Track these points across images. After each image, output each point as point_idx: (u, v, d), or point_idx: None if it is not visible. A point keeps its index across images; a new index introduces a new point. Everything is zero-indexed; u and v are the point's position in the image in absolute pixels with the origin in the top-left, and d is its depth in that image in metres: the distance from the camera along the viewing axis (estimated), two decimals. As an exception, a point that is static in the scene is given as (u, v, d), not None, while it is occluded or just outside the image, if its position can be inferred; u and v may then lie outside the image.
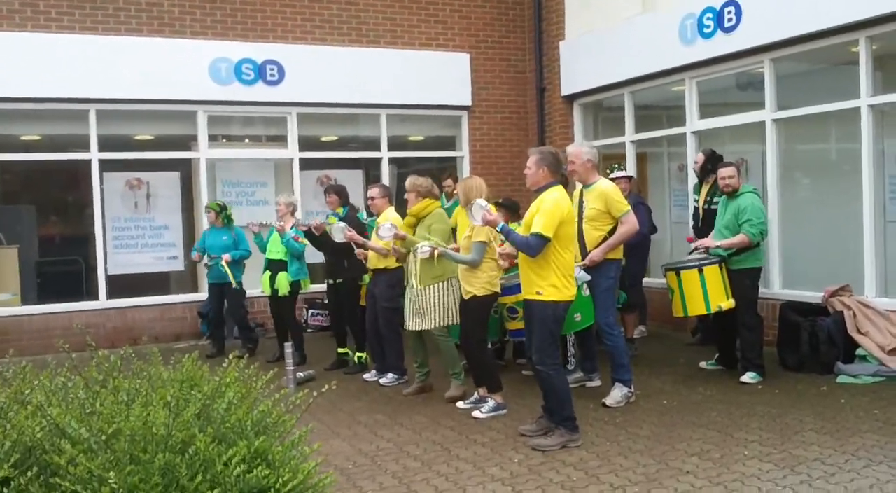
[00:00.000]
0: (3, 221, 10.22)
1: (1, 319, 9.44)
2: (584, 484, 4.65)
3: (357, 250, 7.55)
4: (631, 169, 10.35)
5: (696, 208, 8.25)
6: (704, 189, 8.08)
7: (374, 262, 7.45)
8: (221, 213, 9.22)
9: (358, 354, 8.19)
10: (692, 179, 9.48)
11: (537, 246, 5.21)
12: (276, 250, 8.52)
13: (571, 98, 11.44)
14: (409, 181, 7.05)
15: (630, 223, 6.30)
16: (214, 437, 2.48)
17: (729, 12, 8.64)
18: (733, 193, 7.12)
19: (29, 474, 2.36)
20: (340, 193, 8.26)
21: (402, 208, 8.06)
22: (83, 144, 9.99)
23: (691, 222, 8.51)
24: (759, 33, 8.35)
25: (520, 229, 5.62)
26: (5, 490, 2.36)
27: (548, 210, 5.22)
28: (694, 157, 9.38)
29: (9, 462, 2.40)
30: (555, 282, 5.26)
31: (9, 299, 9.83)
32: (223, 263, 8.94)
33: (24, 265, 10.14)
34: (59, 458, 2.39)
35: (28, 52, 9.43)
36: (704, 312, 7.15)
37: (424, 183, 7.01)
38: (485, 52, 11.90)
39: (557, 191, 5.36)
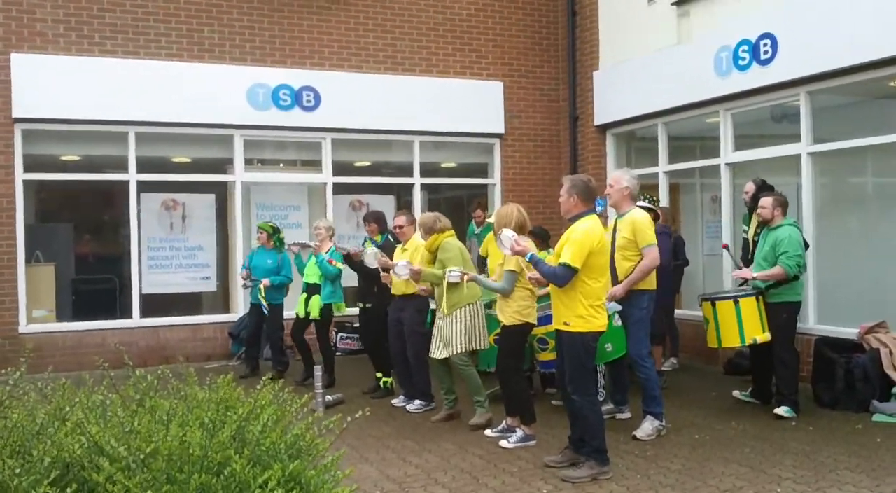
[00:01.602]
0: (41, 238, 10.40)
1: (37, 335, 9.58)
2: (613, 517, 4.60)
3: (382, 275, 7.58)
4: (663, 200, 10.30)
5: (746, 239, 8.15)
6: (755, 221, 7.94)
7: (401, 288, 7.46)
8: (274, 235, 9.32)
9: (384, 379, 8.19)
10: (725, 211, 9.44)
11: (564, 277, 5.20)
12: (312, 274, 8.59)
13: (604, 127, 11.46)
14: (419, 220, 7.21)
15: (650, 257, 6.25)
16: (250, 459, 2.50)
17: (765, 45, 8.63)
18: (767, 225, 7.07)
19: (68, 490, 2.38)
20: (380, 220, 8.33)
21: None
22: (122, 166, 10.18)
23: (740, 253, 8.36)
24: (796, 66, 8.32)
25: (550, 258, 5.62)
26: (44, 506, 2.39)
27: (577, 240, 5.20)
28: (728, 188, 9.36)
29: (49, 479, 2.43)
30: (582, 313, 5.23)
31: (44, 316, 9.98)
32: (261, 287, 9.02)
33: (60, 283, 10.31)
34: (97, 475, 2.42)
35: (71, 74, 9.65)
36: (739, 344, 7.08)
37: (426, 221, 7.16)
38: (518, 80, 11.97)
39: (590, 220, 5.34)
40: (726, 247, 8.59)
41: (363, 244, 8.22)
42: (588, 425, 5.35)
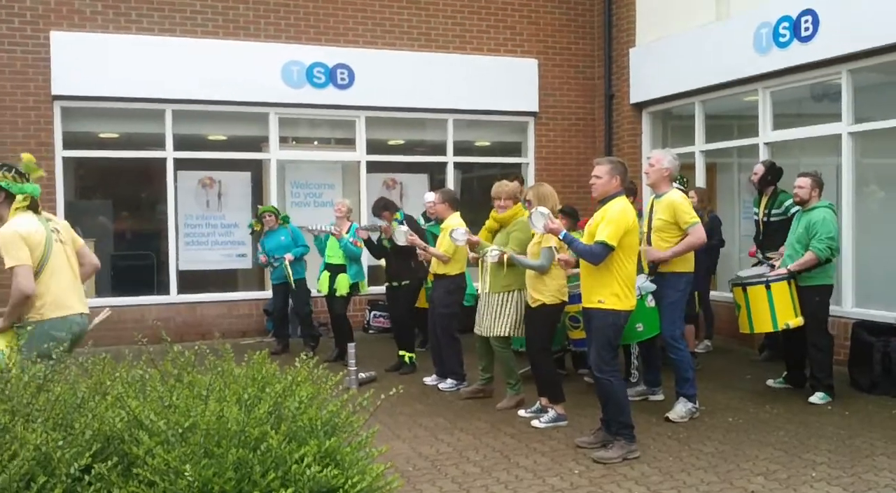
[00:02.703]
0: (81, 215, 10.55)
1: (77, 310, 9.75)
2: (645, 498, 4.60)
3: (419, 252, 7.62)
4: (700, 180, 10.18)
5: (757, 221, 8.07)
6: (764, 201, 7.92)
7: (434, 267, 7.50)
8: (281, 216, 9.44)
9: (408, 354, 8.26)
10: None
11: (601, 254, 5.23)
12: (334, 255, 8.65)
13: (640, 106, 11.32)
14: (508, 189, 6.74)
15: (696, 235, 6.18)
16: (286, 435, 2.53)
17: (806, 21, 8.45)
18: (803, 205, 6.96)
19: (109, 463, 2.43)
20: (388, 207, 8.40)
21: (467, 214, 8.04)
22: (159, 143, 10.29)
23: (751, 235, 8.32)
24: (837, 43, 8.14)
25: (581, 238, 5.60)
26: (86, 478, 2.44)
27: (613, 219, 5.24)
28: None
29: (90, 451, 2.48)
30: (617, 291, 5.27)
31: (85, 291, 10.13)
32: (286, 263, 9.11)
33: (99, 259, 10.37)
34: (137, 449, 2.47)
35: (108, 52, 9.76)
36: (771, 329, 6.97)
37: (519, 188, 6.93)
38: (553, 58, 11.86)
39: (623, 201, 5.41)
40: (753, 255, 8.43)
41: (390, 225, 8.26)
42: (615, 402, 5.38)
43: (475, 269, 7.10)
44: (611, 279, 5.28)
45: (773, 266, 7.20)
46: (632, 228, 5.30)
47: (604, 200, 5.45)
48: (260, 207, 9.96)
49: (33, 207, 4.76)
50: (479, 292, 6.82)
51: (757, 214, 8.09)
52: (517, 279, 6.51)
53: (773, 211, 7.83)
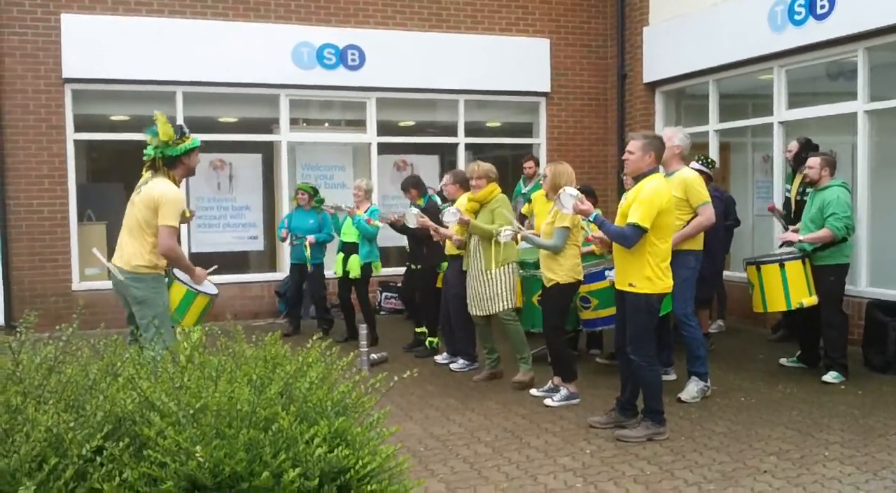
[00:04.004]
0: (92, 198, 10.58)
1: (90, 293, 9.82)
2: (657, 479, 4.60)
3: (433, 235, 7.60)
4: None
5: (788, 199, 7.98)
6: (798, 179, 7.80)
7: (449, 248, 7.48)
8: (315, 195, 9.39)
9: (429, 339, 8.25)
10: (777, 171, 9.24)
11: (633, 237, 5.07)
12: (349, 233, 8.64)
13: (653, 85, 11.23)
14: (479, 168, 6.91)
15: (706, 215, 6.12)
16: (297, 416, 2.53)
17: (822, -2, 8.34)
18: (814, 185, 6.89)
19: (120, 444, 2.43)
20: (418, 185, 8.37)
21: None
22: (170, 125, 10.26)
23: (783, 212, 8.23)
24: (853, 21, 8.03)
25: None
26: (98, 459, 2.45)
27: (646, 199, 5.05)
28: (781, 147, 9.14)
29: (102, 432, 2.49)
30: (648, 274, 5.12)
31: (97, 274, 10.21)
32: (307, 244, 9.10)
33: (111, 242, 10.44)
34: (148, 430, 2.47)
35: (119, 34, 9.74)
36: (784, 308, 6.93)
37: (493, 168, 6.99)
38: (565, 37, 11.76)
39: (657, 178, 5.21)
40: (772, 209, 8.41)
41: (409, 209, 8.24)
42: (646, 386, 5.32)
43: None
44: (642, 262, 5.11)
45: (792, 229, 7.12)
46: (666, 208, 5.10)
47: (637, 178, 5.27)
48: (298, 182, 9.96)
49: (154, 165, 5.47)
50: (473, 271, 6.82)
51: (789, 191, 7.99)
52: (512, 252, 6.74)
53: (808, 190, 7.72)
